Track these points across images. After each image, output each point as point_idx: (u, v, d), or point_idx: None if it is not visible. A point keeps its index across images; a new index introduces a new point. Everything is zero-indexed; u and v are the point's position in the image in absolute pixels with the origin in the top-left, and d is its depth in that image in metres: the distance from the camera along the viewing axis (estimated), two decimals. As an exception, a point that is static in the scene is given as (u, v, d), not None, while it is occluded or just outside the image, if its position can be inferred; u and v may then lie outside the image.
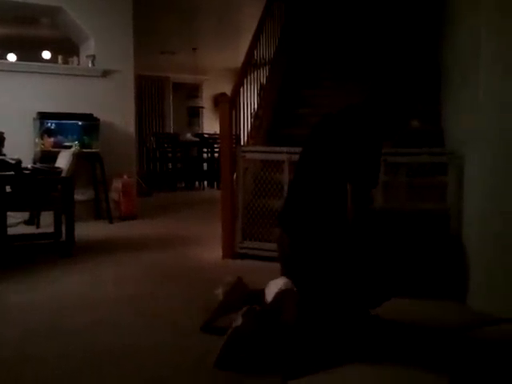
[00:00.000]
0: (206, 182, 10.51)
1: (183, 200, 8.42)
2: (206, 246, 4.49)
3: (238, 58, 5.79)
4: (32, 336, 2.54)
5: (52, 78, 5.94)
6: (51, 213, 4.54)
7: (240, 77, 4.72)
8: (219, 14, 7.86)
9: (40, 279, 3.50)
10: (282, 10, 6.07)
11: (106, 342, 2.48)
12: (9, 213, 4.32)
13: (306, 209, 2.48)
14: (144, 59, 8.20)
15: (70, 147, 5.29)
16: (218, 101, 4.44)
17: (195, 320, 2.65)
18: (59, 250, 4.17)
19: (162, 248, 4.55)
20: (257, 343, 2.19)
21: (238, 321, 2.19)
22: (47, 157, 5.15)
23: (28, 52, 8.35)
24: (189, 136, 10.91)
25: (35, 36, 8.68)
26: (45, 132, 5.65)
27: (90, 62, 6.11)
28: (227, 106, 4.19)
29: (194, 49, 9.98)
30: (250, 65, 4.98)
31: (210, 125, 11.87)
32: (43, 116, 5.65)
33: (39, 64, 6.49)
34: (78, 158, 4.59)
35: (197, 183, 10.53)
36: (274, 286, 2.42)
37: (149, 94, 11.86)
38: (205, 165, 10.58)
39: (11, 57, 8.44)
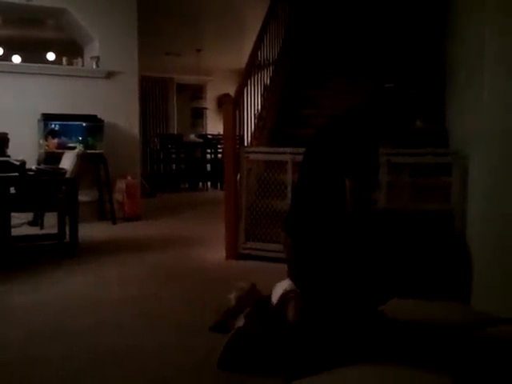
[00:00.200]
0: (209, 183, 10.52)
1: (187, 201, 8.43)
2: (210, 247, 4.49)
3: (241, 59, 5.79)
4: (36, 337, 2.54)
5: (56, 79, 5.96)
6: (55, 214, 4.56)
7: (244, 78, 4.72)
8: (223, 15, 7.87)
9: (44, 280, 3.51)
10: (286, 11, 6.07)
11: (110, 342, 2.48)
12: (13, 214, 4.33)
13: (308, 209, 2.49)
14: (148, 60, 8.21)
15: (74, 148, 5.31)
16: (222, 102, 4.44)
17: (199, 320, 2.66)
18: (63, 251, 4.18)
19: (165, 249, 4.56)
20: (259, 344, 2.19)
21: (241, 322, 2.19)
22: (51, 158, 5.16)
23: (32, 53, 8.37)
24: (192, 137, 10.92)
25: (40, 37, 8.72)
26: (49, 133, 5.67)
27: (94, 63, 6.12)
28: (231, 106, 4.19)
29: (198, 50, 9.99)
30: (253, 66, 4.98)
31: (214, 126, 11.88)
32: (47, 117, 5.66)
33: (43, 65, 6.51)
34: (82, 159, 4.60)
35: (200, 184, 10.54)
36: (279, 288, 2.43)
37: (153, 95, 11.88)
38: (208, 166, 10.58)
39: (16, 58, 8.46)
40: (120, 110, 6.18)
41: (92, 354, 2.35)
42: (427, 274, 3.09)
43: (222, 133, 4.53)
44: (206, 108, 12.61)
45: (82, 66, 6.28)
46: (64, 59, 6.23)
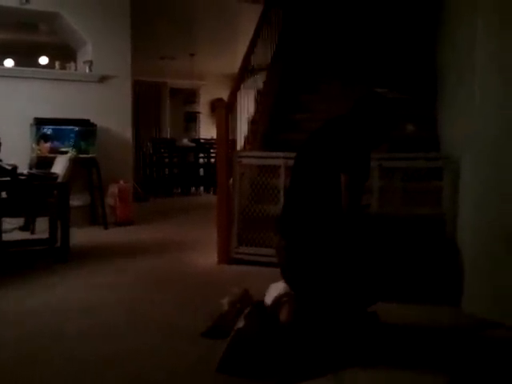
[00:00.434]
0: (202, 188, 10.51)
1: (179, 205, 8.42)
2: (202, 252, 4.48)
3: (235, 63, 5.81)
4: (31, 342, 2.53)
5: (49, 83, 5.94)
6: (46, 218, 4.53)
7: (237, 82, 4.73)
8: (217, 20, 7.89)
9: (38, 285, 3.49)
10: (279, 16, 6.10)
11: (103, 346, 2.47)
12: (3, 219, 4.30)
13: (301, 211, 2.50)
14: (141, 65, 8.20)
15: (66, 153, 5.29)
16: (215, 106, 4.44)
17: (191, 325, 2.65)
18: (54, 256, 4.16)
19: (157, 253, 4.54)
20: (259, 346, 2.18)
21: (241, 323, 2.18)
22: (43, 162, 5.14)
23: (25, 57, 8.36)
24: (185, 141, 10.91)
25: (32, 41, 8.70)
26: (41, 137, 5.64)
27: (87, 67, 6.11)
28: (224, 111, 4.19)
29: (192, 54, 10.01)
30: (246, 70, 4.99)
31: (207, 130, 11.89)
32: (40, 121, 5.64)
33: (36, 69, 6.50)
34: (74, 163, 4.58)
35: (193, 188, 10.53)
36: (274, 290, 2.43)
37: (146, 100, 11.86)
38: (201, 170, 10.58)
39: (8, 62, 8.44)
40: (113, 115, 6.16)
41: (86, 357, 2.34)
42: (419, 278, 3.10)
43: (215, 137, 4.53)
44: (199, 112, 12.62)
45: (75, 70, 6.26)
46: (57, 63, 6.22)
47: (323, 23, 6.15)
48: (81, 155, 5.49)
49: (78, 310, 3.00)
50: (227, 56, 9.40)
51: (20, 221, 5.38)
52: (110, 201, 5.98)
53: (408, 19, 5.55)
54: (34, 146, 5.61)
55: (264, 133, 5.22)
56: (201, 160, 10.64)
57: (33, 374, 2.20)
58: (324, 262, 2.38)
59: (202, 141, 11.03)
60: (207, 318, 2.55)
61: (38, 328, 2.71)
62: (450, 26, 3.87)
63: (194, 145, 10.74)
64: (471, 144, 3.00)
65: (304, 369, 2.15)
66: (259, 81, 5.55)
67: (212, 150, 10.09)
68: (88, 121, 5.83)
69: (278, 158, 4.03)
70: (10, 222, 4.95)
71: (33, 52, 8.75)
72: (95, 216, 5.97)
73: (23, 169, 4.51)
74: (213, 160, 9.94)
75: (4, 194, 4.15)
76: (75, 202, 5.23)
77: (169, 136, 11.91)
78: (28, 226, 5.33)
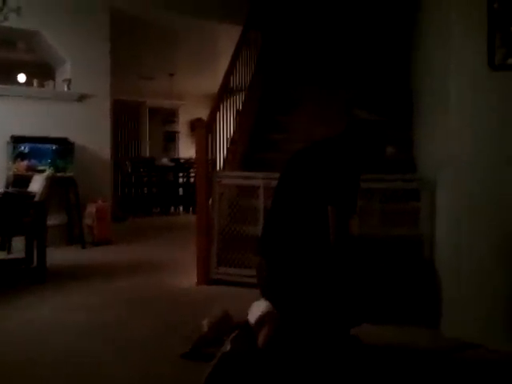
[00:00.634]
0: (181, 207, 10.47)
1: (158, 225, 8.36)
2: (181, 272, 4.45)
3: (214, 83, 5.84)
4: (5, 365, 2.48)
5: (27, 101, 5.90)
6: (23, 238, 4.46)
7: (216, 102, 4.75)
8: (196, 40, 7.94)
9: (12, 306, 3.42)
10: (258, 38, 6.18)
11: (79, 370, 2.42)
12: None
13: (283, 233, 2.49)
14: (121, 84, 8.21)
15: (43, 171, 5.24)
16: (195, 126, 4.45)
17: (171, 347, 2.62)
18: (31, 276, 4.09)
19: (136, 274, 4.50)
20: (245, 370, 2.16)
21: (227, 346, 2.16)
22: (20, 181, 5.08)
23: (3, 75, 8.27)
24: (165, 161, 10.89)
25: (10, 59, 8.63)
26: (18, 156, 5.59)
27: (65, 85, 6.09)
28: (203, 131, 4.21)
29: (171, 74, 10.04)
30: (226, 91, 5.03)
31: (186, 150, 11.89)
32: (17, 139, 5.59)
33: (14, 87, 6.45)
34: (51, 182, 4.53)
35: (172, 208, 10.47)
36: (256, 309, 2.40)
37: (125, 119, 11.83)
38: (180, 189, 10.55)
39: (-15, 80, 8.35)
40: (91, 133, 6.14)
41: (61, 382, 2.29)
42: (397, 300, 3.12)
43: (194, 157, 4.54)
44: (178, 132, 12.63)
45: (54, 88, 6.24)
46: (35, 81, 6.19)
47: (300, 45, 6.24)
48: (58, 174, 5.45)
49: (54, 332, 2.94)
50: (207, 76, 9.46)
51: (-5, 240, 5.30)
52: (87, 220, 5.92)
53: (383, 42, 5.67)
54: (10, 164, 5.54)
55: (243, 153, 5.25)
56: (180, 179, 10.63)
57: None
58: (304, 284, 2.38)
59: (181, 160, 11.02)
60: (187, 340, 2.53)
61: (12, 351, 2.65)
62: (425, 50, 3.96)
63: (173, 164, 10.73)
64: (447, 166, 3.05)
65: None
66: (239, 101, 5.59)
67: (191, 170, 10.09)
68: (66, 139, 5.80)
69: (257, 178, 4.05)
70: (-16, 242, 4.88)
71: (11, 69, 8.68)
72: (72, 235, 5.89)
73: (-1, 187, 4.46)
74: (192, 180, 9.93)
75: (-21, 214, 4.08)
76: (52, 221, 5.17)
77: (148, 155, 11.88)
78: (4, 246, 5.24)
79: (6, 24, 5.66)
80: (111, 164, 6.65)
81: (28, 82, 6.01)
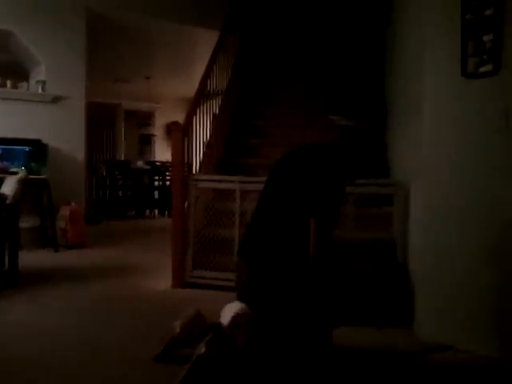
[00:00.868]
0: (156, 210, 10.42)
1: (133, 228, 8.30)
2: (156, 276, 4.43)
3: (191, 87, 5.85)
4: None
5: (0, 102, 5.82)
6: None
7: (193, 106, 4.75)
8: (173, 43, 7.94)
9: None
10: (235, 42, 6.20)
11: (52, 374, 2.39)
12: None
13: (265, 237, 2.50)
14: (96, 86, 8.15)
15: (16, 173, 5.16)
16: (171, 129, 4.45)
17: (144, 350, 2.61)
18: (3, 280, 4.02)
19: (109, 277, 4.46)
20: (220, 372, 2.16)
21: (202, 349, 2.16)
22: (-8, 183, 4.99)
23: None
24: (140, 164, 10.83)
25: (-17, 59, 8.49)
26: (-10, 157, 5.51)
27: (40, 87, 6.02)
28: (180, 134, 4.20)
29: (148, 77, 9.99)
30: (203, 94, 5.03)
31: (162, 153, 11.84)
32: (-11, 141, 5.50)
33: (-14, 88, 6.34)
34: (24, 184, 4.48)
35: (147, 211, 10.41)
36: (228, 310, 2.40)
37: (100, 121, 11.72)
38: (156, 193, 10.49)
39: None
40: (65, 136, 6.08)
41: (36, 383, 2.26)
42: (371, 302, 3.16)
43: (170, 160, 4.53)
44: (154, 135, 12.57)
45: (28, 89, 6.16)
46: (8, 82, 6.09)
47: (278, 49, 6.29)
48: (31, 176, 5.37)
49: (26, 337, 2.89)
50: (183, 79, 9.45)
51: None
52: (60, 223, 5.84)
53: (358, 46, 5.75)
54: (-18, 166, 5.45)
55: (219, 157, 5.25)
56: (156, 183, 10.57)
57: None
58: (283, 289, 2.39)
59: (157, 163, 10.97)
60: (159, 342, 2.52)
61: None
62: (399, 56, 4.02)
63: (148, 167, 10.67)
64: (419, 171, 3.11)
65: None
66: (215, 105, 5.60)
67: (167, 173, 10.05)
68: (39, 141, 5.73)
69: (233, 181, 4.06)
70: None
71: (-17, 70, 8.53)
72: (45, 238, 5.81)
73: (-30, 189, 4.37)
74: (168, 183, 9.89)
75: (-51, 216, 4.00)
76: (24, 223, 5.11)
77: (123, 158, 11.79)
78: (-27, 249, 5.14)
79: (-21, 23, 5.62)
80: (85, 167, 6.58)
81: (1, 83, 5.92)
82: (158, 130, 12.53)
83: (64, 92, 6.12)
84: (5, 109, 5.81)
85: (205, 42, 6.52)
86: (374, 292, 3.18)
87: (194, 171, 4.64)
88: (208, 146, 5.11)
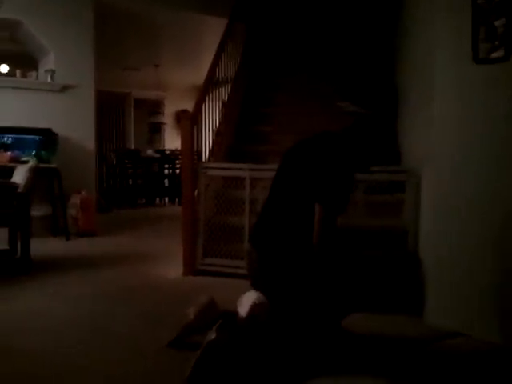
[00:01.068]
0: (167, 199, 10.45)
1: (144, 216, 8.34)
2: (167, 263, 4.45)
3: (200, 75, 5.82)
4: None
5: (10, 92, 5.85)
6: (6, 229, 4.42)
7: (202, 94, 4.74)
8: (182, 31, 7.90)
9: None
10: (243, 30, 6.17)
11: (64, 361, 2.41)
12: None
13: (276, 225, 2.51)
14: (105, 75, 8.15)
15: (27, 162, 5.19)
16: (180, 117, 4.44)
17: (157, 336, 2.63)
18: (15, 268, 4.06)
19: (121, 265, 4.49)
20: (230, 358, 2.18)
21: (212, 335, 2.17)
22: (3, 172, 5.00)
23: (-15, 65, 8.16)
24: (150, 152, 10.84)
25: (-8, 49, 8.51)
26: (1, 146, 5.53)
27: (49, 76, 6.03)
28: (189, 122, 4.20)
29: (157, 65, 9.97)
30: (211, 82, 5.01)
31: (172, 141, 11.84)
32: (0, 130, 5.52)
33: (-4, 77, 6.37)
34: (35, 173, 4.49)
35: (158, 199, 10.45)
36: (246, 300, 2.41)
37: (110, 110, 11.74)
38: (166, 181, 10.52)
39: (-33, 70, 8.22)
40: (75, 124, 6.09)
41: (45, 373, 2.28)
42: (382, 289, 3.15)
43: (179, 148, 4.53)
44: (163, 123, 12.56)
45: (37, 79, 6.17)
46: (18, 72, 6.11)
47: (285, 36, 6.24)
48: (42, 165, 5.38)
49: (38, 324, 2.92)
50: (192, 67, 9.41)
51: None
52: (71, 211, 5.88)
53: (368, 33, 5.69)
54: (-7, 155, 5.48)
55: (229, 144, 5.24)
56: (166, 171, 10.60)
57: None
58: (293, 273, 2.40)
59: (166, 152, 10.98)
60: (173, 329, 2.53)
61: (-3, 342, 2.64)
62: (410, 42, 3.98)
63: (158, 156, 10.68)
64: (431, 158, 3.09)
65: (270, 380, 2.16)
66: (224, 93, 5.59)
67: (177, 161, 10.06)
68: (50, 130, 5.75)
69: (242, 169, 4.05)
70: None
71: (-7, 60, 8.56)
72: (57, 227, 5.85)
73: (-18, 178, 4.41)
74: (178, 171, 9.91)
75: (-39, 205, 4.04)
76: (36, 212, 5.14)
77: (133, 147, 11.81)
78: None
79: (-11, 13, 5.62)
80: (96, 155, 6.60)
81: (11, 73, 5.93)
82: (167, 119, 12.52)
83: (73, 81, 6.13)
84: (15, 98, 5.83)
85: (213, 30, 6.48)
86: (385, 279, 3.18)
87: (203, 159, 4.64)
88: (217, 133, 5.11)
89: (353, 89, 4.98)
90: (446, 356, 2.58)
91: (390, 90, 4.64)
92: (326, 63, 5.66)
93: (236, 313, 2.41)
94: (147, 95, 12.17)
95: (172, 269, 4.20)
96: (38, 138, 5.70)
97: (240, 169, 4.09)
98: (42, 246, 4.93)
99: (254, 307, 2.33)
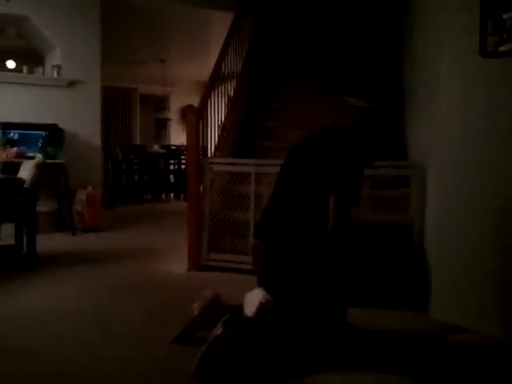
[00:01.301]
0: (172, 194, 10.46)
1: (149, 212, 8.35)
2: (172, 259, 4.45)
3: (206, 70, 5.81)
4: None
5: (16, 87, 5.86)
6: (12, 224, 4.44)
7: (208, 89, 4.73)
8: (188, 26, 7.89)
9: (1, 292, 3.40)
10: (250, 24, 6.14)
11: (70, 357, 2.41)
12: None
13: (284, 218, 2.50)
14: (111, 70, 8.15)
15: (33, 158, 5.20)
16: (186, 113, 4.43)
17: (162, 332, 2.63)
18: (21, 263, 4.08)
19: (126, 260, 4.49)
20: (236, 353, 2.17)
21: (218, 330, 2.17)
22: (10, 167, 5.04)
23: (-9, 61, 8.20)
24: (156, 148, 10.85)
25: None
26: (8, 142, 5.55)
27: (55, 72, 6.03)
28: (194, 117, 4.19)
29: (162, 61, 9.96)
30: (217, 77, 5.00)
31: (178, 137, 11.85)
32: (6, 126, 5.55)
33: (3, 73, 6.37)
34: (41, 168, 4.51)
35: (163, 195, 10.46)
36: (252, 300, 2.39)
37: (116, 105, 11.76)
38: (171, 176, 10.53)
39: (-26, 66, 8.26)
40: (81, 120, 6.10)
41: (51, 369, 2.28)
42: (388, 284, 3.15)
43: (185, 144, 4.52)
44: (169, 119, 12.57)
45: (43, 74, 6.18)
46: (24, 67, 6.13)
47: (292, 31, 6.22)
48: (48, 160, 5.40)
49: (44, 319, 2.93)
50: (198, 63, 9.40)
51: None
52: (77, 207, 5.90)
53: (375, 29, 5.66)
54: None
55: (235, 139, 5.24)
56: (171, 166, 10.61)
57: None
58: (304, 268, 2.40)
59: (172, 147, 10.99)
60: (178, 324, 2.53)
61: (1, 337, 2.64)
62: (417, 37, 3.96)
63: (164, 151, 10.70)
64: (437, 154, 3.07)
65: (276, 374, 2.16)
66: (230, 88, 5.57)
67: (183, 157, 10.07)
68: (56, 126, 5.76)
69: (248, 164, 4.05)
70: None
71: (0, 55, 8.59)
72: (63, 222, 5.87)
73: (-12, 174, 4.42)
74: (183, 166, 9.91)
75: (-32, 200, 4.05)
76: (42, 207, 5.15)
77: (139, 142, 11.83)
78: (-7, 233, 5.21)
79: (-4, 9, 5.63)
80: (101, 151, 6.61)
81: (17, 68, 5.94)
82: (173, 114, 12.53)
83: (79, 76, 6.13)
84: (21, 94, 5.84)
85: (219, 25, 6.46)
86: (391, 274, 3.16)
87: (209, 154, 4.63)
88: (223, 128, 5.10)
89: (360, 84, 4.95)
90: (453, 351, 2.57)
91: (397, 85, 4.62)
92: (334, 58, 5.63)
93: (242, 307, 2.40)
94: (153, 91, 12.17)
95: (177, 264, 4.20)
96: (44, 133, 5.71)
97: (245, 164, 4.09)
98: (48, 242, 4.95)
99: (262, 306, 2.32)
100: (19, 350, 2.47)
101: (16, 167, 4.69)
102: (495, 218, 2.73)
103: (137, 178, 10.31)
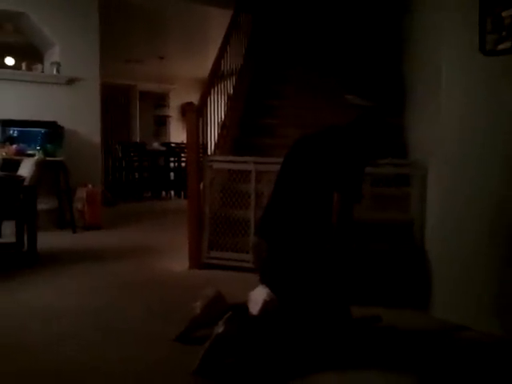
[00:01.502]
0: (172, 192, 10.45)
1: (149, 210, 8.35)
2: (173, 257, 4.45)
3: (205, 67, 5.80)
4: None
5: (15, 84, 5.85)
6: (13, 222, 4.44)
7: (207, 86, 4.72)
8: (186, 23, 7.87)
9: (2, 290, 3.41)
10: (248, 21, 6.13)
11: (70, 355, 2.41)
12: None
13: (286, 215, 2.51)
14: (110, 67, 8.12)
15: (33, 155, 5.20)
16: (185, 110, 4.43)
17: (163, 330, 2.63)
18: (21, 261, 4.08)
19: (126, 258, 4.49)
20: (238, 351, 2.18)
21: (220, 328, 2.18)
22: (9, 165, 5.02)
23: (-10, 58, 8.18)
24: (156, 145, 10.84)
25: (-2, 42, 8.51)
26: (7, 139, 5.54)
27: (54, 69, 6.02)
28: (194, 115, 4.18)
29: (161, 57, 9.94)
30: (217, 75, 4.99)
31: (177, 134, 11.82)
32: (6, 123, 5.54)
33: (2, 70, 6.36)
34: (41, 166, 4.51)
35: (163, 193, 10.46)
36: (256, 298, 2.40)
37: (115, 103, 11.72)
38: (172, 174, 10.52)
39: (-28, 63, 8.24)
40: (81, 117, 6.10)
41: (51, 367, 2.28)
42: (388, 283, 3.15)
43: (185, 141, 4.51)
44: (169, 116, 12.55)
45: (42, 71, 6.16)
46: (23, 64, 6.11)
47: (291, 28, 6.20)
48: (48, 158, 5.40)
49: (45, 317, 2.93)
50: (197, 60, 9.38)
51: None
52: (78, 205, 5.89)
53: (374, 29, 5.64)
54: (-1, 148, 5.50)
55: (235, 137, 5.23)
56: (171, 164, 10.60)
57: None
58: (304, 264, 2.41)
59: (172, 145, 10.98)
60: (179, 323, 2.53)
61: (1, 335, 2.64)
62: (417, 35, 3.95)
63: (164, 149, 10.68)
64: (437, 152, 3.07)
65: (278, 372, 2.16)
66: (229, 85, 5.56)
67: (183, 154, 10.06)
68: (55, 123, 5.75)
69: (248, 162, 4.04)
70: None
71: (-2, 52, 8.57)
72: (63, 220, 5.87)
73: (-12, 172, 4.42)
74: (183, 164, 9.91)
75: (-32, 198, 4.05)
76: (42, 205, 5.15)
77: (138, 140, 11.81)
78: (-7, 230, 5.21)
79: (-6, 5, 5.61)
80: (101, 148, 6.61)
81: (16, 65, 5.93)
82: (172, 111, 12.50)
83: (78, 73, 6.12)
84: (20, 91, 5.83)
85: (218, 22, 6.44)
86: (391, 272, 3.17)
87: (209, 152, 4.63)
88: (223, 126, 5.09)
89: (360, 82, 4.96)
90: (454, 349, 2.57)
91: (397, 84, 4.62)
92: (333, 56, 5.62)
93: (245, 305, 2.40)
94: (152, 88, 12.14)
95: (177, 262, 4.20)
96: (43, 131, 5.71)
97: (245, 162, 4.08)
98: (49, 239, 4.94)
99: (266, 304, 2.32)
100: (19, 348, 2.48)
101: (16, 165, 4.69)
102: (495, 216, 2.73)
103: (137, 176, 10.30)
